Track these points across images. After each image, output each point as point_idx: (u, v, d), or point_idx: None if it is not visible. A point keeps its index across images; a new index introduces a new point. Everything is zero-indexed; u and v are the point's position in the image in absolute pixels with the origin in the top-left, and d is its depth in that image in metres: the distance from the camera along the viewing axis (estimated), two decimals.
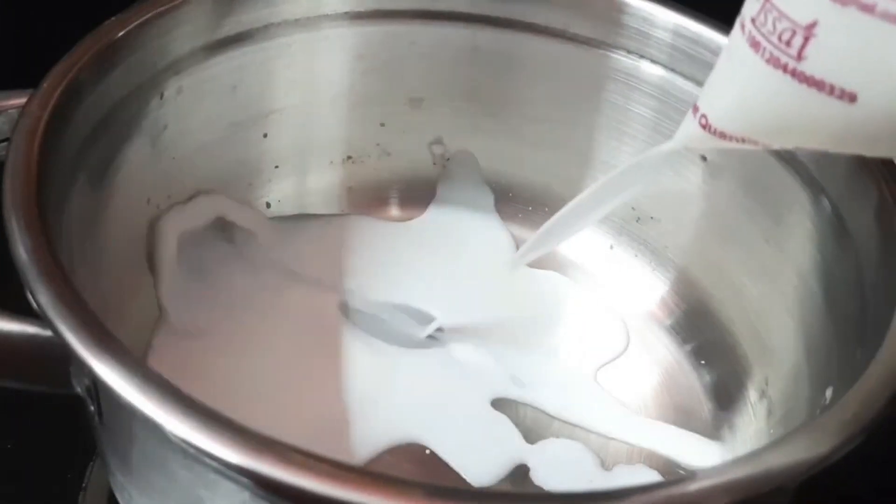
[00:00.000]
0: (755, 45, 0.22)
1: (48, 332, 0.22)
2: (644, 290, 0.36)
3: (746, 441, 0.31)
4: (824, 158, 0.29)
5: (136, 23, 0.29)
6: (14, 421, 0.33)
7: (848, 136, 0.22)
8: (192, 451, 0.19)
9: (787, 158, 0.31)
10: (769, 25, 0.22)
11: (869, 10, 0.20)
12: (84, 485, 0.32)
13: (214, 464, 0.19)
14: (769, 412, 0.31)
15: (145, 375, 0.20)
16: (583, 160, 0.37)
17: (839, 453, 0.21)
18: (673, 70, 0.33)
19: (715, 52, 0.32)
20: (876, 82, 0.20)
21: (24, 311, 0.23)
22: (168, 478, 0.23)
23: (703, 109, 0.24)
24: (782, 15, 0.21)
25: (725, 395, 0.33)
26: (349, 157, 0.38)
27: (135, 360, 0.20)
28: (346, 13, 0.34)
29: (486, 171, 0.38)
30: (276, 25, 0.33)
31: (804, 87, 0.21)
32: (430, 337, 0.33)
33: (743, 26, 0.23)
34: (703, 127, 0.24)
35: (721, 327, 0.34)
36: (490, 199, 0.38)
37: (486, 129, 0.37)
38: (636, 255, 0.37)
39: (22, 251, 0.23)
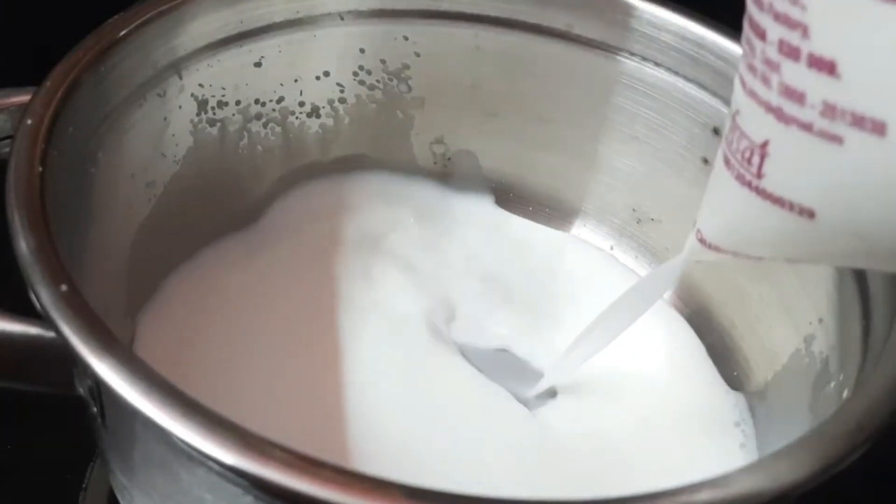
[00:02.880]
0: (727, 163, 0.23)
1: (51, 334, 0.22)
2: None
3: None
4: None
5: (137, 22, 0.29)
6: (14, 421, 0.33)
7: (816, 249, 0.22)
8: (194, 453, 0.19)
9: None
10: (735, 144, 0.22)
11: (808, 128, 0.19)
12: (84, 485, 0.32)
13: (217, 466, 0.19)
14: (768, 416, 0.31)
15: (148, 377, 0.20)
16: (585, 162, 0.37)
17: (843, 463, 0.21)
18: (677, 73, 0.33)
19: (720, 56, 0.32)
20: (830, 198, 0.20)
21: (26, 311, 0.23)
22: (170, 480, 0.23)
23: (698, 225, 0.25)
24: (743, 134, 0.22)
25: None
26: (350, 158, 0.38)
27: (138, 362, 0.20)
28: (348, 12, 0.34)
29: (488, 172, 0.38)
30: (278, 24, 0.33)
31: (767, 203, 0.21)
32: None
33: (722, 147, 0.23)
34: (701, 242, 0.25)
35: (721, 330, 0.34)
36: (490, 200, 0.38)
37: (487, 130, 0.37)
38: (636, 258, 0.37)
39: (25, 251, 0.22)
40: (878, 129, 0.18)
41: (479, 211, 0.38)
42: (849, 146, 0.19)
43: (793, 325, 0.31)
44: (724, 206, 0.23)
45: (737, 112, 0.22)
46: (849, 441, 0.21)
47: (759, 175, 0.21)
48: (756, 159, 0.21)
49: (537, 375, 0.33)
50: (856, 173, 0.19)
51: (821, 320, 0.29)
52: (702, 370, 0.33)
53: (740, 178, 0.22)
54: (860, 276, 0.27)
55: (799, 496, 0.21)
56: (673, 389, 0.33)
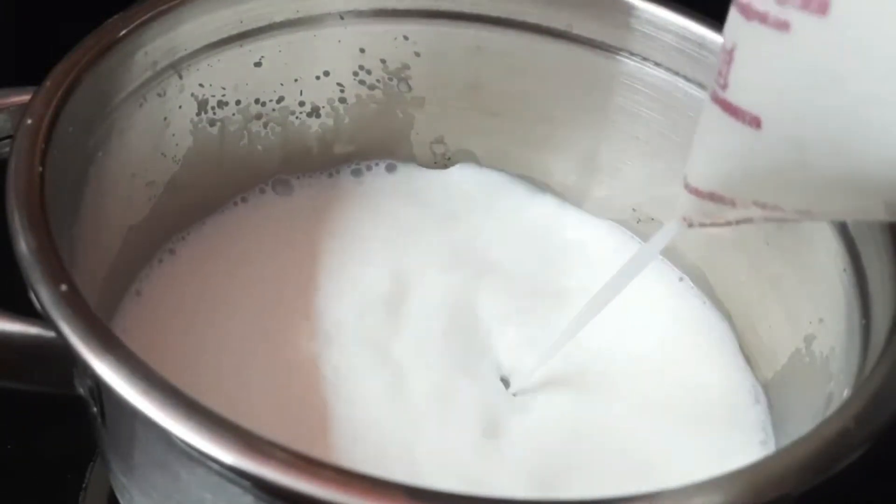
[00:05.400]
0: (712, 93, 0.23)
1: (51, 334, 0.22)
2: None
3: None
4: None
5: (137, 22, 0.29)
6: (14, 421, 0.33)
7: (760, 172, 0.22)
8: (194, 453, 0.19)
9: None
10: (718, 64, 0.23)
11: (763, 19, 0.20)
12: (84, 485, 0.32)
13: (217, 466, 0.19)
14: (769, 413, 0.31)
15: (148, 378, 0.20)
16: (585, 162, 0.37)
17: (843, 463, 0.21)
18: (677, 73, 0.33)
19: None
20: (776, 104, 0.21)
21: (26, 311, 0.23)
22: (170, 479, 0.23)
23: (685, 172, 0.25)
24: (723, 48, 0.22)
25: None
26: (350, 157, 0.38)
27: (138, 362, 0.20)
28: (348, 12, 0.34)
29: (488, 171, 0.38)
30: (278, 24, 0.33)
31: (727, 116, 0.22)
32: None
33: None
34: (686, 188, 0.25)
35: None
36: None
37: (487, 129, 0.37)
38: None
39: (25, 251, 0.23)
40: (822, 7, 0.19)
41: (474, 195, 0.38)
42: (795, 32, 0.19)
43: (793, 325, 0.31)
44: (702, 137, 0.24)
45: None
46: (849, 441, 0.21)
47: (725, 86, 0.22)
48: (724, 68, 0.22)
49: (527, 362, 0.32)
50: (800, 66, 0.20)
51: (821, 320, 0.29)
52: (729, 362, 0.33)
53: (714, 96, 0.23)
54: (860, 275, 0.27)
55: (799, 496, 0.21)
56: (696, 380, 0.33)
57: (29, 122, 0.26)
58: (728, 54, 0.22)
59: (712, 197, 0.24)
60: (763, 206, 0.23)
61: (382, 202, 0.37)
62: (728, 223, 0.25)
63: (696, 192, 0.25)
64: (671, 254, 0.36)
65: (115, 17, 0.29)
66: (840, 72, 0.19)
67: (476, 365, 0.32)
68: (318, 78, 0.35)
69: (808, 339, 0.30)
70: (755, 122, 0.21)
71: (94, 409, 0.24)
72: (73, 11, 0.33)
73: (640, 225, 0.37)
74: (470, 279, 0.34)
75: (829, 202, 0.22)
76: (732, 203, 0.24)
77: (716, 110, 0.22)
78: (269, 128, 0.35)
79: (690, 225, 0.26)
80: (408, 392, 0.30)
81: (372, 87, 0.36)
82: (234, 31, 0.32)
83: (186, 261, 0.34)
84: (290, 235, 0.35)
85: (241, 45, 0.33)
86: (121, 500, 0.27)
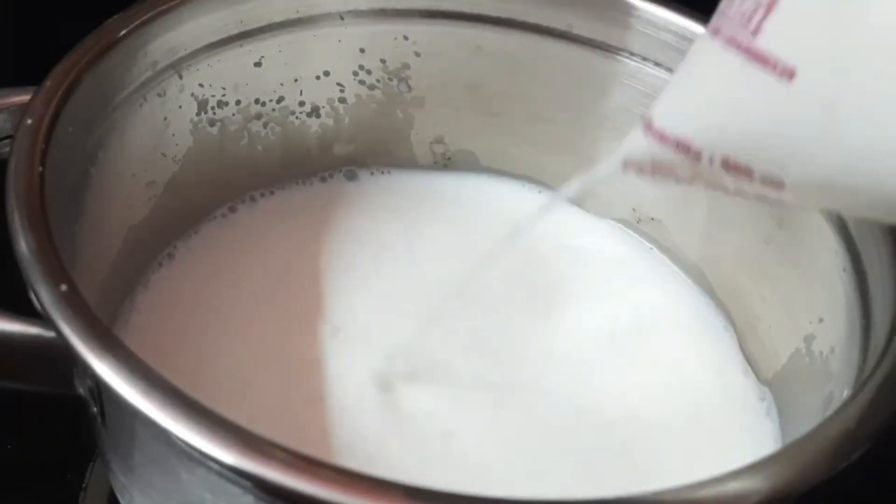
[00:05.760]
0: (716, 32, 0.22)
1: (51, 334, 0.22)
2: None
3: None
4: None
5: (137, 22, 0.30)
6: (15, 421, 0.33)
7: (758, 125, 0.21)
8: (194, 453, 0.19)
9: None
10: (736, 6, 0.22)
11: None
12: (84, 485, 0.32)
13: (217, 466, 0.19)
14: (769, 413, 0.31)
15: (148, 378, 0.20)
16: (585, 162, 0.36)
17: (843, 463, 0.21)
18: None
19: None
20: (816, 55, 0.20)
21: (27, 311, 0.23)
22: (170, 479, 0.23)
23: (650, 112, 0.24)
24: None
25: None
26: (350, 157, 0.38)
27: (138, 362, 0.21)
28: (348, 12, 0.34)
29: (487, 171, 0.39)
30: (278, 24, 0.33)
31: (751, 65, 0.21)
32: None
33: (711, 23, 0.23)
34: (646, 129, 0.24)
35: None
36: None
37: (487, 129, 0.38)
38: (637, 256, 0.37)
39: (25, 251, 0.23)
40: None
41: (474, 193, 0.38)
42: None
43: (793, 324, 0.31)
44: (691, 82, 0.23)
45: None
46: (849, 441, 0.21)
47: (757, 31, 0.21)
48: (758, 15, 0.21)
49: (534, 366, 0.32)
50: (848, 24, 0.19)
51: (821, 320, 0.29)
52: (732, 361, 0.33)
53: (731, 41, 0.22)
54: (860, 276, 0.27)
55: (799, 496, 0.21)
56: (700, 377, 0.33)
57: (29, 122, 0.26)
58: (770, 1, 0.21)
59: (677, 145, 0.23)
60: (733, 166, 0.22)
61: (382, 203, 0.37)
62: (671, 179, 0.24)
63: (659, 136, 0.23)
64: (672, 254, 0.36)
65: (115, 17, 0.29)
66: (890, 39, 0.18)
67: (475, 364, 0.32)
68: (318, 78, 0.36)
69: (809, 339, 0.30)
70: (788, 74, 0.20)
71: (94, 409, 0.24)
72: (73, 11, 0.33)
73: (640, 224, 0.37)
74: (471, 278, 0.34)
75: (822, 177, 0.21)
76: (697, 155, 0.23)
77: (730, 56, 0.21)
78: (269, 128, 0.36)
79: (626, 171, 0.25)
80: (437, 398, 0.30)
81: (372, 87, 0.36)
82: (234, 31, 0.33)
83: (186, 262, 0.34)
84: (290, 237, 0.35)
85: (241, 45, 0.33)
86: (121, 500, 0.27)
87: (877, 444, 0.22)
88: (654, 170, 0.24)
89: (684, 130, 0.23)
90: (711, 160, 0.23)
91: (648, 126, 0.24)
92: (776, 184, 0.22)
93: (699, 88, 0.23)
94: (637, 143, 0.24)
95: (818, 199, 0.25)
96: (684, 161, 0.23)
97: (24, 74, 0.28)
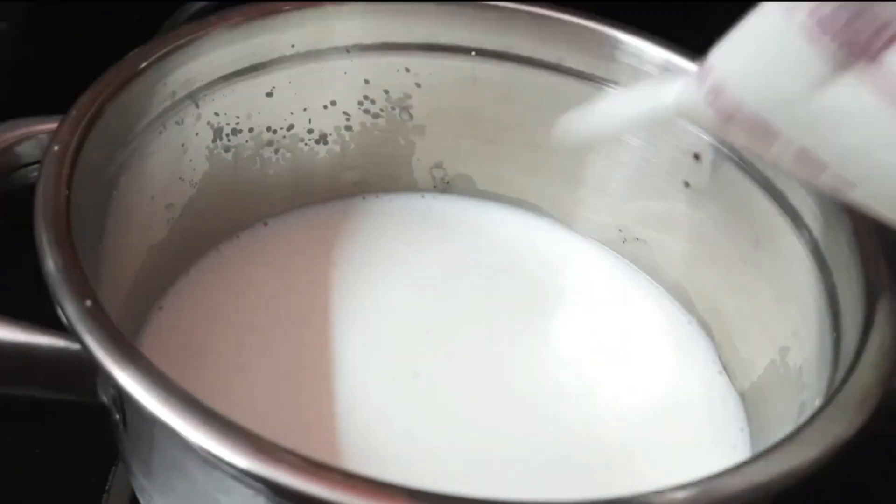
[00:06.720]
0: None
1: (76, 346, 0.22)
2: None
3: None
4: (802, 187, 0.30)
5: (157, 55, 0.30)
6: (41, 428, 0.33)
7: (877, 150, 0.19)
8: (210, 458, 0.20)
9: (767, 186, 0.31)
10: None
11: None
12: (107, 487, 0.32)
13: (231, 470, 0.20)
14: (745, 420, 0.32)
15: (168, 387, 0.21)
16: (574, 185, 0.37)
17: (814, 468, 0.21)
18: None
19: None
20: None
21: (53, 325, 0.23)
22: (188, 482, 0.23)
23: (711, 58, 0.21)
24: None
25: None
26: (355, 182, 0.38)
27: (158, 373, 0.21)
28: (353, 46, 0.35)
29: (483, 194, 0.39)
30: (288, 57, 0.34)
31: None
32: None
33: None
34: (702, 80, 0.21)
35: None
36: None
37: (484, 155, 0.38)
38: (623, 274, 0.37)
39: (52, 269, 0.23)
40: None
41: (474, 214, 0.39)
42: None
43: (768, 337, 0.31)
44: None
45: None
46: (820, 447, 0.22)
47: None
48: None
49: (533, 373, 0.33)
50: None
51: (795, 333, 0.30)
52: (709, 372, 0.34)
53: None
54: (831, 293, 0.28)
55: (772, 498, 0.22)
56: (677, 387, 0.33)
57: (56, 148, 0.26)
58: None
59: (754, 125, 0.20)
60: (808, 157, 0.20)
61: (386, 224, 0.38)
62: (734, 140, 0.21)
63: (715, 93, 0.21)
64: (655, 273, 0.37)
65: (136, 50, 0.30)
66: None
67: (478, 376, 0.32)
68: (325, 107, 0.36)
69: (783, 351, 0.30)
70: None
71: (117, 417, 0.25)
72: (99, 43, 0.33)
73: (625, 245, 0.37)
74: (470, 298, 0.35)
75: None
76: (775, 135, 0.20)
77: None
78: (279, 154, 0.36)
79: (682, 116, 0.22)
80: (438, 409, 0.31)
81: (376, 116, 0.37)
82: (248, 64, 0.33)
83: (203, 280, 0.34)
84: (302, 256, 0.36)
85: (254, 77, 0.33)
86: (141, 502, 0.28)
87: (876, 443, 0.22)
88: (720, 129, 0.22)
89: (752, 93, 0.21)
90: (788, 143, 0.21)
91: (706, 77, 0.21)
92: (847, 183, 0.21)
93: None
94: (690, 91, 0.22)
95: (887, 210, 0.22)
96: (759, 138, 0.21)
97: (51, 103, 0.28)
